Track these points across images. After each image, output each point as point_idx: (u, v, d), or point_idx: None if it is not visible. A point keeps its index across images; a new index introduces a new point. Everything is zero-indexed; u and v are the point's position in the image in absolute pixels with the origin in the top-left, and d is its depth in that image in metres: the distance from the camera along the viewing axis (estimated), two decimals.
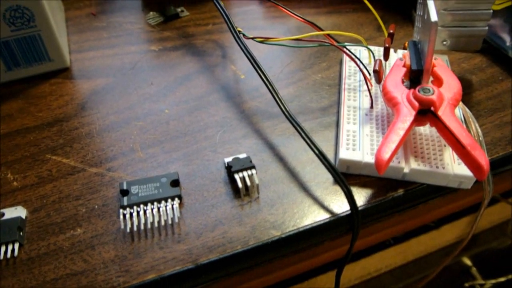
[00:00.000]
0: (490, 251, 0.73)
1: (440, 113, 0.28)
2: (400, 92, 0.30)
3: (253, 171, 0.29)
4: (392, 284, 0.64)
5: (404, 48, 0.39)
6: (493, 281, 0.72)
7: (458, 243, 0.65)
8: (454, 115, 0.28)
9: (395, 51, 0.38)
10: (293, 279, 0.57)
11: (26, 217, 0.28)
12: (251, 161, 0.29)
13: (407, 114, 0.28)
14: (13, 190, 0.30)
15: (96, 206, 0.29)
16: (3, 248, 0.27)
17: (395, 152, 0.27)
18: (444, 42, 0.38)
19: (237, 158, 0.30)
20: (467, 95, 0.36)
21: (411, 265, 0.65)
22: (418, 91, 0.29)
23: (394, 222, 0.60)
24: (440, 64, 0.32)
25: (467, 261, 0.73)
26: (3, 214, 0.28)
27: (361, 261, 0.61)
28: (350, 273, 0.61)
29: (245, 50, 0.33)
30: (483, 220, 0.64)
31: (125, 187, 0.29)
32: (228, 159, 0.30)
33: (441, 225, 0.65)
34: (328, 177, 0.30)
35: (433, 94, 0.28)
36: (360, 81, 0.35)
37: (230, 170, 0.29)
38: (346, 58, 0.37)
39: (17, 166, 0.32)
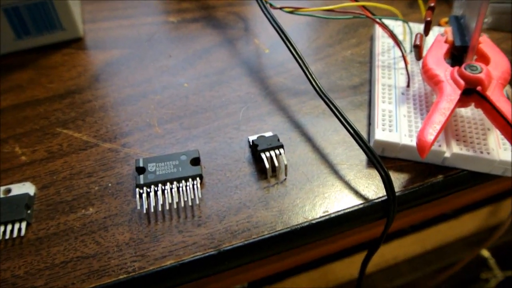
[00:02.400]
0: (510, 243, 0.71)
1: (488, 93, 0.26)
2: (443, 69, 0.27)
3: (281, 150, 0.26)
4: (410, 273, 0.62)
5: (439, 25, 0.37)
6: (510, 273, 0.70)
7: (480, 233, 0.63)
8: (503, 95, 0.26)
9: (431, 29, 0.36)
10: (307, 265, 0.55)
11: (34, 194, 0.26)
12: (278, 140, 0.27)
13: (452, 93, 0.26)
14: (21, 165, 0.28)
15: (109, 184, 0.27)
16: (9, 227, 0.25)
17: (439, 134, 0.24)
18: (485, 20, 0.35)
19: (263, 136, 0.27)
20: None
21: (430, 254, 0.63)
22: (465, 68, 0.26)
23: (414, 209, 0.58)
24: (486, 41, 0.29)
25: (485, 253, 0.71)
26: (10, 190, 0.26)
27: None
28: None
29: (272, 21, 0.31)
30: (503, 212, 0.62)
31: (141, 165, 0.26)
32: (253, 137, 0.27)
33: (461, 214, 0.63)
34: (362, 159, 0.28)
35: (481, 72, 0.26)
36: (395, 58, 0.33)
37: (255, 149, 0.27)
38: (378, 34, 0.35)
39: (26, 140, 0.30)
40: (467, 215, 0.62)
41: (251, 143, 0.27)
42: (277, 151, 0.26)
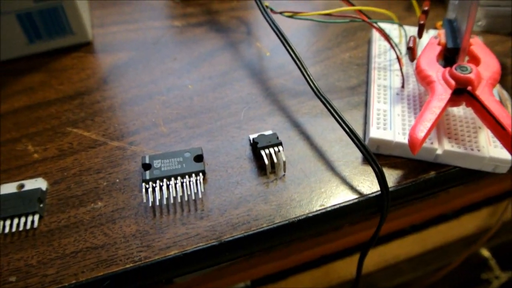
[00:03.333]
0: (510, 243, 0.71)
1: (478, 92, 0.27)
2: (435, 70, 0.29)
3: (280, 147, 0.28)
4: (410, 272, 0.63)
5: (435, 28, 0.38)
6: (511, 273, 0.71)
7: (480, 233, 0.64)
8: (493, 95, 0.27)
9: (426, 31, 0.37)
10: (310, 264, 0.56)
11: (46, 189, 0.28)
12: (277, 138, 0.28)
13: (443, 93, 0.27)
14: (34, 162, 0.30)
15: (117, 180, 0.28)
16: (22, 219, 0.26)
17: (430, 131, 0.26)
18: (479, 23, 0.37)
19: (263, 135, 0.29)
20: (501, 79, 0.34)
21: (430, 254, 0.63)
22: (455, 69, 0.27)
23: (414, 209, 0.59)
24: (478, 43, 0.30)
25: (486, 253, 0.72)
26: (23, 186, 0.28)
27: (379, 248, 0.60)
28: (367, 259, 0.60)
29: (272, 25, 0.32)
30: (505, 212, 0.63)
31: (147, 161, 0.28)
32: (254, 136, 0.29)
33: (461, 215, 0.64)
34: (357, 156, 0.29)
35: (470, 72, 0.27)
36: (390, 60, 0.34)
37: (256, 147, 0.28)
38: (375, 37, 0.36)
39: (38, 138, 0.31)
40: (467, 215, 0.63)
41: (251, 141, 0.29)
42: (276, 148, 0.28)
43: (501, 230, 0.67)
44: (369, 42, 0.38)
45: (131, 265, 0.24)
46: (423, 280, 0.63)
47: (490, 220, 0.64)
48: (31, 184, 0.28)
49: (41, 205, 0.27)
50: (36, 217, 0.26)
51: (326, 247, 0.56)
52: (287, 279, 0.57)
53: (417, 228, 0.62)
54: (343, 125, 0.27)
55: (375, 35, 0.36)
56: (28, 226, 0.26)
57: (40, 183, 0.28)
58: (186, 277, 0.45)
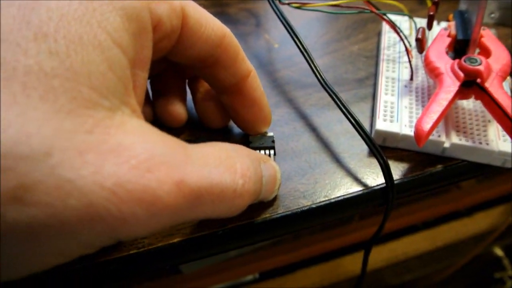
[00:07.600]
0: None
1: (487, 85, 0.26)
2: (443, 62, 0.28)
3: (272, 151, 0.27)
4: (419, 269, 0.63)
5: (448, 20, 0.38)
6: None
7: (491, 232, 0.63)
8: (503, 87, 0.27)
9: (438, 23, 0.37)
10: (320, 258, 0.56)
11: None
12: (273, 141, 0.28)
13: (451, 85, 0.27)
14: None
15: None
16: None
17: (436, 123, 0.25)
18: (492, 15, 0.36)
19: (261, 135, 0.28)
20: None
21: (440, 251, 0.63)
22: (464, 61, 0.27)
23: (425, 205, 0.58)
24: (488, 35, 0.30)
25: (499, 252, 0.71)
26: None
27: (389, 243, 0.60)
28: (377, 255, 0.60)
29: (279, 15, 0.32)
30: None
31: None
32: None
33: (474, 212, 0.63)
34: (363, 148, 0.29)
35: (480, 64, 0.27)
36: (399, 52, 0.34)
37: (248, 145, 0.27)
38: (385, 29, 0.36)
39: None
40: (481, 213, 0.62)
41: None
42: (267, 151, 0.27)
43: None
44: (379, 34, 0.37)
45: (135, 251, 0.24)
46: (431, 278, 0.63)
47: (503, 218, 0.64)
48: None
49: None
50: None
51: (335, 242, 0.56)
52: (295, 273, 0.57)
53: (428, 225, 0.62)
54: (349, 116, 0.27)
55: (385, 27, 0.36)
56: None
57: None
58: (194, 267, 0.45)
